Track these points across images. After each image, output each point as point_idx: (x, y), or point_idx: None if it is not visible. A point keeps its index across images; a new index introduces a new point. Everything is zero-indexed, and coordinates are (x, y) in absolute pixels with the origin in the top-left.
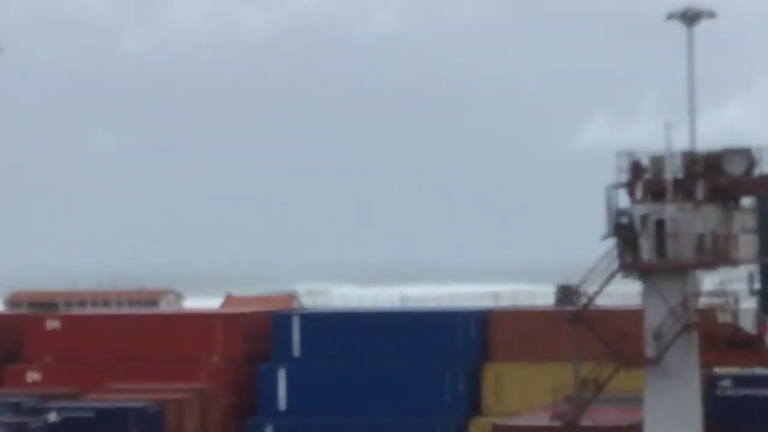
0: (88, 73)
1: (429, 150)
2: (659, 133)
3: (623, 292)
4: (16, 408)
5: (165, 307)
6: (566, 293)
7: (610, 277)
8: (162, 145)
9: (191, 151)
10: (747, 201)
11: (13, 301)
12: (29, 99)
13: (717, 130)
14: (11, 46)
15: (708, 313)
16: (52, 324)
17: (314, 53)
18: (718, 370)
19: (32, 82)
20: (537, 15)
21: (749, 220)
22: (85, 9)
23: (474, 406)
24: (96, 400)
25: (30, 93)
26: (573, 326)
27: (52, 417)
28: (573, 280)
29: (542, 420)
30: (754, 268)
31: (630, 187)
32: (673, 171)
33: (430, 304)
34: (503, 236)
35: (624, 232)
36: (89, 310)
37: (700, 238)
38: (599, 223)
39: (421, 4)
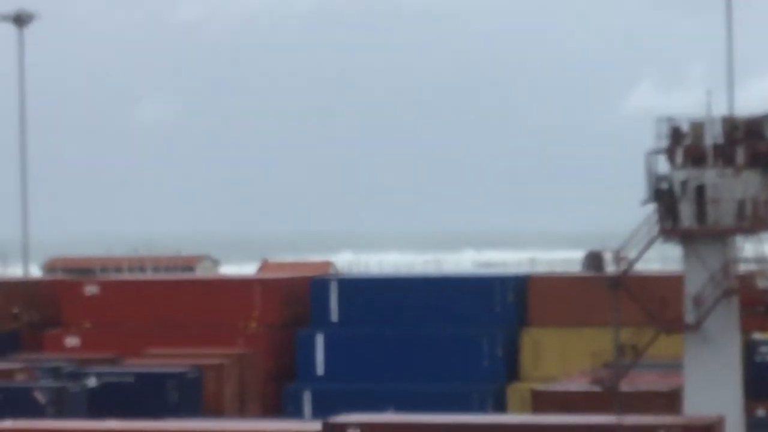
0: (143, 41)
1: (473, 117)
2: (705, 100)
3: (659, 257)
4: (56, 373)
5: (201, 273)
6: (593, 259)
7: (650, 243)
8: (209, 113)
9: (236, 119)
10: None
11: (49, 268)
12: (82, 66)
13: (762, 97)
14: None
15: (748, 279)
16: (91, 289)
17: (364, 23)
18: (757, 335)
19: (87, 49)
20: None
21: None
22: None
23: (512, 371)
24: (135, 365)
25: (83, 60)
26: (612, 292)
27: (92, 382)
28: (610, 246)
29: (581, 385)
30: None
31: (670, 152)
32: (713, 136)
33: (469, 270)
34: (545, 202)
35: (664, 197)
36: (127, 276)
37: (741, 203)
38: (641, 189)
39: None
